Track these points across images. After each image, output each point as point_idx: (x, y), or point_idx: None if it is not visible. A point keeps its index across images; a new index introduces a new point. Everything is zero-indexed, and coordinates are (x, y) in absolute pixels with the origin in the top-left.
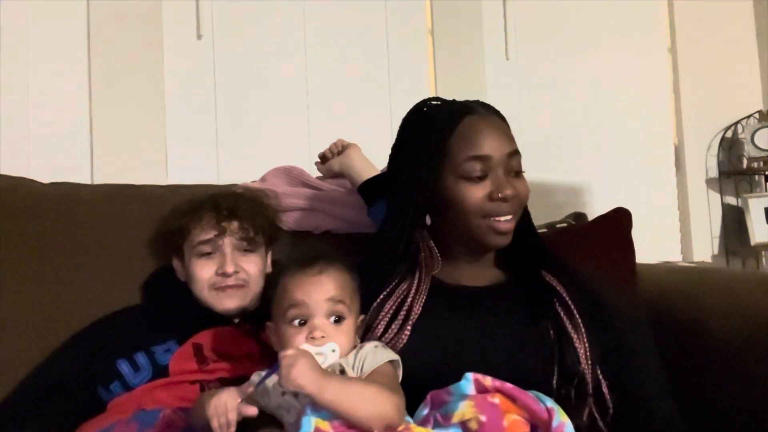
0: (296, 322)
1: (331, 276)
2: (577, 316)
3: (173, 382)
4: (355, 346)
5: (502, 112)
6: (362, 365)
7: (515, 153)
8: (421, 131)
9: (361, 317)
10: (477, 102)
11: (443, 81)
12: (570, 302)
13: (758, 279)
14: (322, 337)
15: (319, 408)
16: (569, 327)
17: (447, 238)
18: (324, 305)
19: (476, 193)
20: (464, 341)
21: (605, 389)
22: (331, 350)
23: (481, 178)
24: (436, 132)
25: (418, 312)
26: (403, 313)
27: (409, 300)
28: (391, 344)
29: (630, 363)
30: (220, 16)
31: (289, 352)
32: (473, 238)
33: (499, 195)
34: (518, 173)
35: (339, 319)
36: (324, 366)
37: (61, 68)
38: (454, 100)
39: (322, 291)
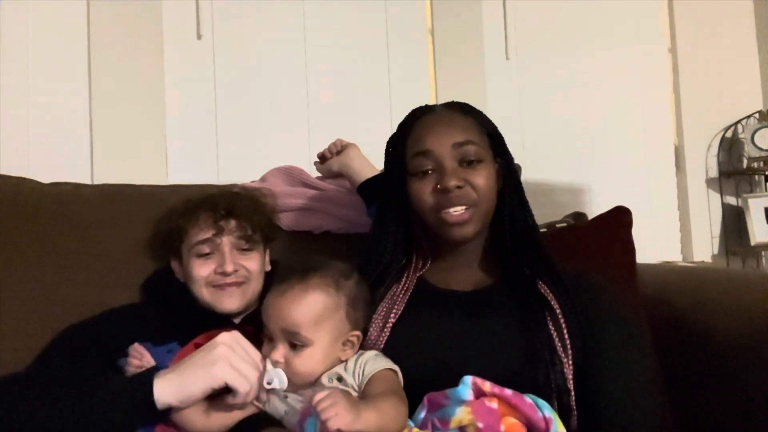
0: (267, 338)
1: (291, 301)
2: (567, 335)
3: None
4: (340, 360)
5: (502, 112)
6: (363, 370)
7: (465, 143)
8: (392, 139)
9: (356, 333)
10: (448, 103)
11: (443, 81)
12: (562, 320)
13: (758, 279)
14: (277, 362)
15: None
16: (558, 346)
17: (431, 238)
18: (280, 333)
19: (423, 188)
20: (446, 345)
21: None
22: (278, 377)
23: (428, 173)
24: (398, 139)
25: (398, 313)
26: (387, 313)
27: (394, 300)
28: (374, 344)
29: (606, 374)
30: (220, 16)
31: (322, 395)
32: (435, 234)
33: (438, 186)
34: (473, 164)
35: (295, 346)
36: (269, 387)
37: (61, 68)
38: (426, 105)
39: (278, 320)
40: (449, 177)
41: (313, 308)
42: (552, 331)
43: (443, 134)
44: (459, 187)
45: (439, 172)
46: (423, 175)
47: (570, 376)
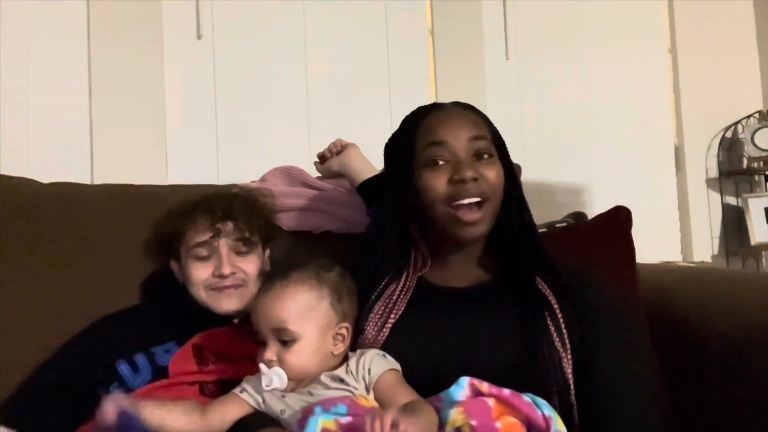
0: (260, 343)
1: (274, 298)
2: (565, 331)
3: (173, 383)
4: (345, 357)
5: (502, 112)
6: (368, 371)
7: (479, 138)
8: (397, 133)
9: (344, 325)
10: (456, 102)
11: (443, 81)
12: (560, 316)
13: (758, 279)
14: (271, 360)
15: (329, 408)
16: (557, 342)
17: (432, 236)
18: (270, 333)
19: (437, 179)
20: (445, 342)
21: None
22: (276, 375)
23: (442, 164)
24: (407, 130)
25: (400, 312)
26: (386, 313)
27: (393, 299)
28: (372, 344)
29: (606, 369)
30: (220, 16)
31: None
32: (444, 230)
33: (456, 177)
34: (485, 158)
35: (285, 342)
36: (269, 388)
37: (61, 68)
38: (435, 103)
39: (265, 320)
40: (466, 168)
41: (296, 301)
42: (550, 327)
43: (458, 127)
44: (474, 180)
45: (455, 163)
46: (435, 165)
47: (569, 372)
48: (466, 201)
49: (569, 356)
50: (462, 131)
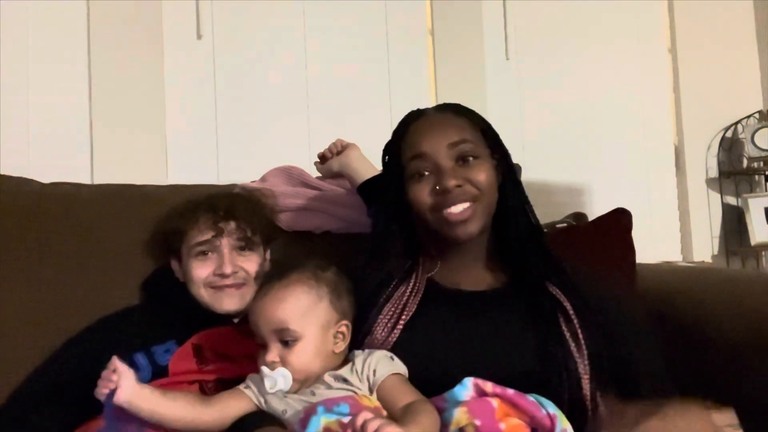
0: (260, 347)
1: (275, 299)
2: (580, 334)
3: (173, 383)
4: (345, 357)
5: (502, 112)
6: (373, 372)
7: (459, 142)
8: (389, 144)
9: (344, 323)
10: (440, 105)
11: (443, 81)
12: (574, 318)
13: (758, 279)
14: (273, 362)
15: (331, 407)
16: (572, 345)
17: (435, 239)
18: (271, 334)
19: (422, 190)
20: (456, 344)
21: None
22: (281, 376)
23: (427, 176)
24: (394, 143)
25: (411, 312)
26: (397, 313)
27: (404, 300)
28: (382, 344)
29: (633, 369)
30: (220, 16)
31: (369, 415)
32: (439, 234)
33: (437, 188)
34: (470, 161)
35: (287, 343)
36: (274, 390)
37: (61, 68)
38: (418, 110)
39: (266, 321)
40: (448, 177)
41: (297, 301)
42: (565, 332)
43: (437, 136)
44: (459, 186)
45: (437, 173)
46: (420, 177)
47: (585, 376)
48: (452, 209)
49: (586, 361)
50: (441, 139)
